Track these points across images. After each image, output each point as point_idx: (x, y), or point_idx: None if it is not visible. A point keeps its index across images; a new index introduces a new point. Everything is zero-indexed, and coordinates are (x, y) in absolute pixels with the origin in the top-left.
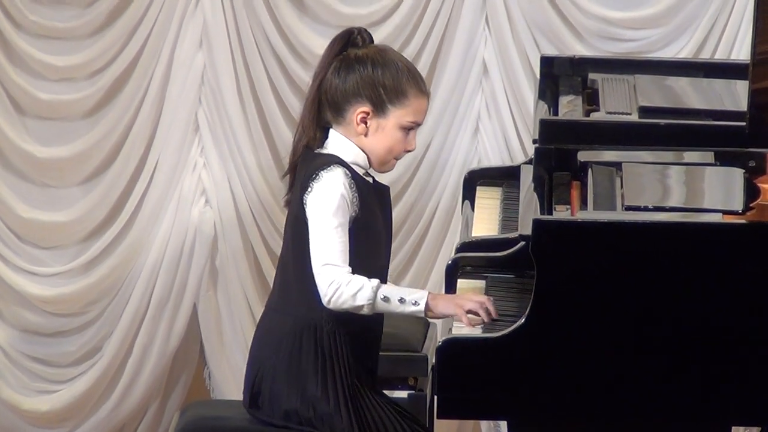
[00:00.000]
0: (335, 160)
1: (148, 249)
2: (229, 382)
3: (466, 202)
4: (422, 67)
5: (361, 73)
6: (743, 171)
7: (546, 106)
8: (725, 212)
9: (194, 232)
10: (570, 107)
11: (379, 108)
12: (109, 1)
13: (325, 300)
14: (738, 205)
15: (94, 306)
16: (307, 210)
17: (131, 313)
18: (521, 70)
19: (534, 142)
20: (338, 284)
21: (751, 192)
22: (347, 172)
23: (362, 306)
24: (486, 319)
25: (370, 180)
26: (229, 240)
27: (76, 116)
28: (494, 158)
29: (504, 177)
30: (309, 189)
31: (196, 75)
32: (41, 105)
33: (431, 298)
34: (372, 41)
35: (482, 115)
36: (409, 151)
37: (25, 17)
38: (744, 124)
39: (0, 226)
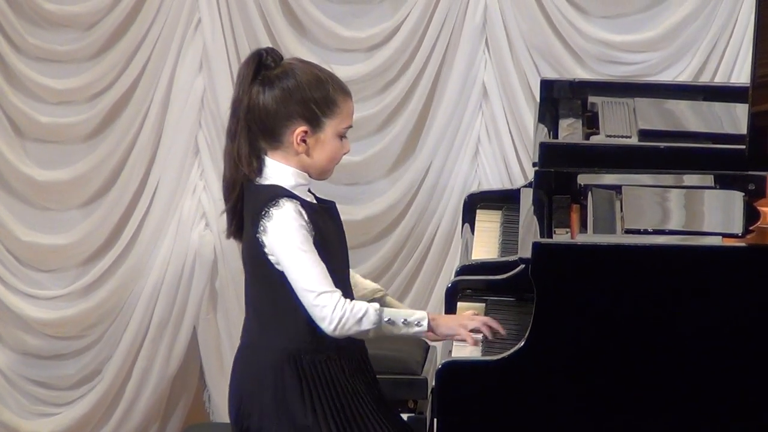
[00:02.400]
0: (281, 193)
1: (147, 272)
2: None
3: (466, 225)
4: (422, 91)
5: (288, 92)
6: (743, 194)
7: (546, 129)
8: (725, 235)
9: (194, 255)
10: (570, 130)
11: (315, 123)
12: (109, 25)
13: (330, 328)
14: (738, 228)
15: (93, 329)
16: (267, 248)
17: (131, 336)
18: (521, 93)
19: (534, 165)
20: (342, 310)
21: (751, 215)
22: (295, 201)
23: (368, 330)
24: (490, 337)
25: (314, 201)
26: (229, 263)
27: (75, 139)
28: (494, 181)
29: (504, 200)
30: (262, 229)
31: (196, 98)
32: (41, 128)
33: (432, 319)
34: (282, 59)
35: (482, 138)
36: (345, 153)
37: (24, 40)
38: (743, 147)
39: (0, 249)
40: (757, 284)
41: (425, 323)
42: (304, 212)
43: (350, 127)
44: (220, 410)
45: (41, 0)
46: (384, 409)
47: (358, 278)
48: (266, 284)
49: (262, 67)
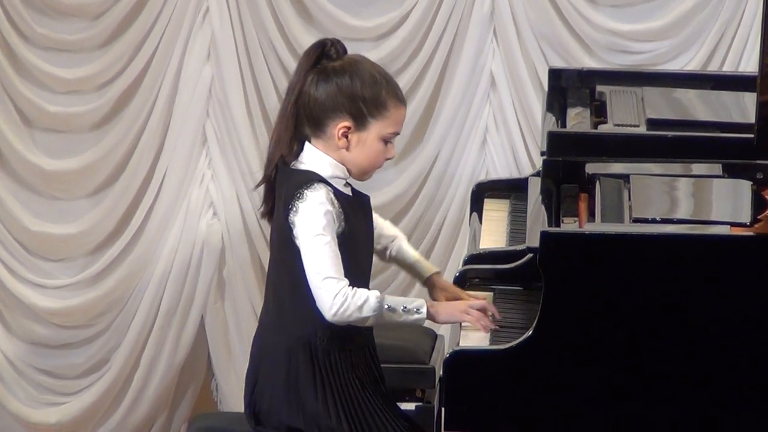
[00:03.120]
0: (316, 178)
1: (155, 261)
2: (236, 393)
3: (474, 214)
4: (430, 80)
5: (340, 86)
6: (751, 183)
7: (554, 118)
8: (733, 224)
9: (202, 244)
10: (578, 119)
11: (360, 121)
12: (117, 14)
13: (330, 313)
14: (746, 217)
15: (101, 318)
16: (295, 230)
17: (139, 324)
18: (529, 82)
19: (542, 154)
20: (344, 297)
21: (759, 204)
22: (329, 188)
23: (368, 317)
24: (492, 326)
25: (350, 192)
26: (237, 252)
27: (84, 128)
28: (502, 170)
29: (512, 189)
30: (294, 209)
31: (204, 87)
32: (49, 117)
33: (430, 306)
34: (345, 52)
35: (490, 127)
36: (388, 159)
37: (32, 30)
38: (752, 136)
39: (8, 239)
40: (766, 273)
41: (424, 310)
42: (336, 200)
43: (397, 134)
44: (228, 399)
45: None
46: (390, 405)
47: (380, 220)
48: (289, 268)
49: (324, 56)
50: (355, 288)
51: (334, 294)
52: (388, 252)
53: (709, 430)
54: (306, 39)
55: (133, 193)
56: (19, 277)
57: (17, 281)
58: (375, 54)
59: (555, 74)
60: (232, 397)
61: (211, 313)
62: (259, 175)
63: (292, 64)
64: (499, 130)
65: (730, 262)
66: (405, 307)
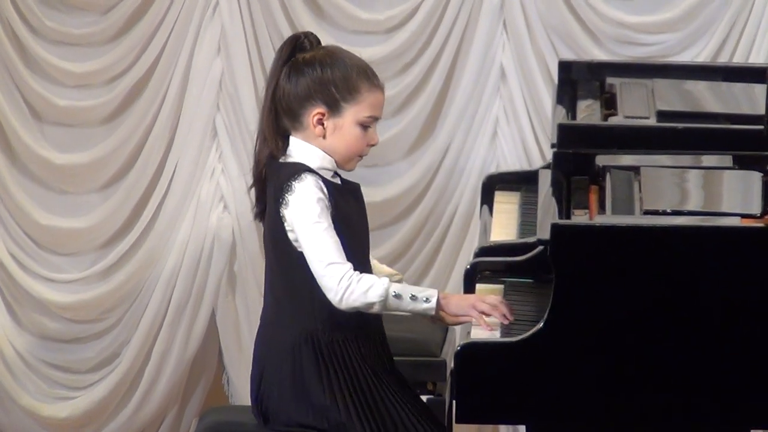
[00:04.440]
0: (303, 168)
1: (166, 255)
2: (247, 387)
3: (485, 206)
4: (440, 73)
5: (312, 75)
6: (762, 174)
7: (564, 110)
8: (744, 216)
9: (212, 238)
10: (588, 111)
11: (334, 107)
12: (126, 7)
13: (336, 298)
14: (756, 208)
15: (112, 312)
16: (287, 223)
17: (150, 319)
18: (539, 74)
19: (552, 146)
20: (349, 281)
21: None
22: (317, 176)
23: (374, 303)
24: (502, 320)
25: (339, 181)
26: (248, 245)
27: (94, 122)
28: (512, 163)
29: (522, 182)
30: (285, 202)
31: (214, 81)
32: (59, 111)
33: (442, 297)
34: (319, 43)
35: (500, 119)
36: (372, 145)
37: (42, 23)
38: (762, 127)
39: (18, 233)
40: None
41: (434, 300)
42: (325, 188)
43: (375, 118)
44: (240, 393)
45: None
46: (403, 391)
47: (374, 263)
48: (285, 263)
49: (297, 49)
50: (361, 273)
51: (338, 279)
52: None
53: (723, 421)
54: (316, 32)
55: (144, 187)
56: (29, 272)
57: (28, 276)
58: (385, 47)
59: (565, 66)
60: (244, 391)
61: (221, 307)
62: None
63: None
64: (510, 123)
65: (740, 253)
66: (413, 295)
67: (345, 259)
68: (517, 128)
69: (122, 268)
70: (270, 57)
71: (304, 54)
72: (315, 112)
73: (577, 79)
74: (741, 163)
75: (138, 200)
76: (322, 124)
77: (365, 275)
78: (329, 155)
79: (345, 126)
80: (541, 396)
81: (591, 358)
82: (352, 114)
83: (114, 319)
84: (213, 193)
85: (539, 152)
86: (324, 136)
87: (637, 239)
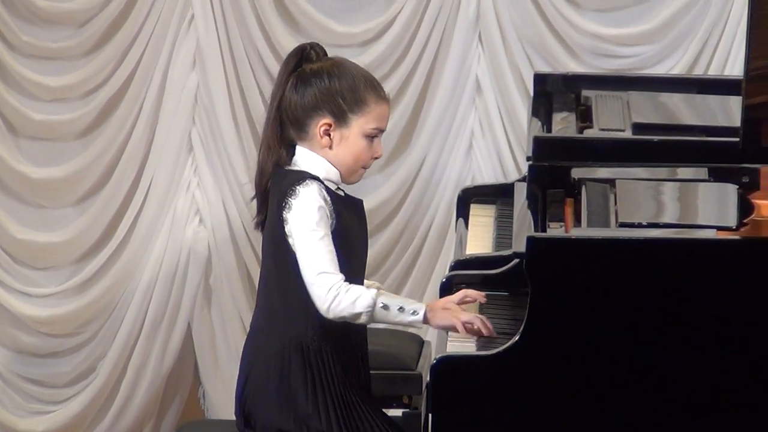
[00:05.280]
0: (308, 176)
1: (142, 269)
2: (223, 401)
3: (460, 219)
4: (415, 85)
5: (319, 86)
6: (737, 187)
7: (539, 123)
8: (719, 228)
9: (188, 252)
10: (563, 124)
11: (341, 118)
12: (102, 21)
13: (323, 307)
14: (732, 221)
15: (88, 326)
16: (288, 227)
17: (126, 333)
18: (514, 87)
19: (528, 159)
20: (337, 291)
21: (745, 208)
22: (321, 185)
23: (361, 314)
24: (484, 331)
25: (342, 194)
26: (223, 259)
27: (69, 136)
28: (488, 176)
29: (498, 194)
30: (287, 206)
31: (190, 95)
32: (35, 125)
33: (429, 310)
34: (326, 54)
35: (476, 132)
36: (376, 158)
37: (18, 37)
38: (737, 139)
39: None
40: (752, 277)
41: (422, 313)
42: (328, 197)
43: (381, 130)
44: (216, 406)
45: None
46: (377, 412)
47: None
48: (281, 269)
49: (304, 60)
50: (349, 284)
51: (328, 288)
52: None
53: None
54: (292, 46)
55: (120, 200)
56: (5, 286)
57: (3, 290)
58: (361, 60)
59: (540, 79)
60: (220, 405)
61: (197, 321)
62: (247, 183)
63: (278, 71)
64: (485, 135)
65: (716, 266)
66: (401, 307)
67: (337, 269)
68: (493, 141)
69: (98, 282)
70: (245, 70)
71: (311, 64)
72: (322, 122)
73: (552, 92)
74: (716, 176)
75: (114, 214)
76: (329, 135)
77: (354, 286)
78: (335, 167)
79: (351, 137)
80: (518, 409)
81: (567, 371)
82: (358, 125)
83: (90, 333)
84: (189, 207)
85: (515, 165)
86: (330, 147)
87: (613, 252)
